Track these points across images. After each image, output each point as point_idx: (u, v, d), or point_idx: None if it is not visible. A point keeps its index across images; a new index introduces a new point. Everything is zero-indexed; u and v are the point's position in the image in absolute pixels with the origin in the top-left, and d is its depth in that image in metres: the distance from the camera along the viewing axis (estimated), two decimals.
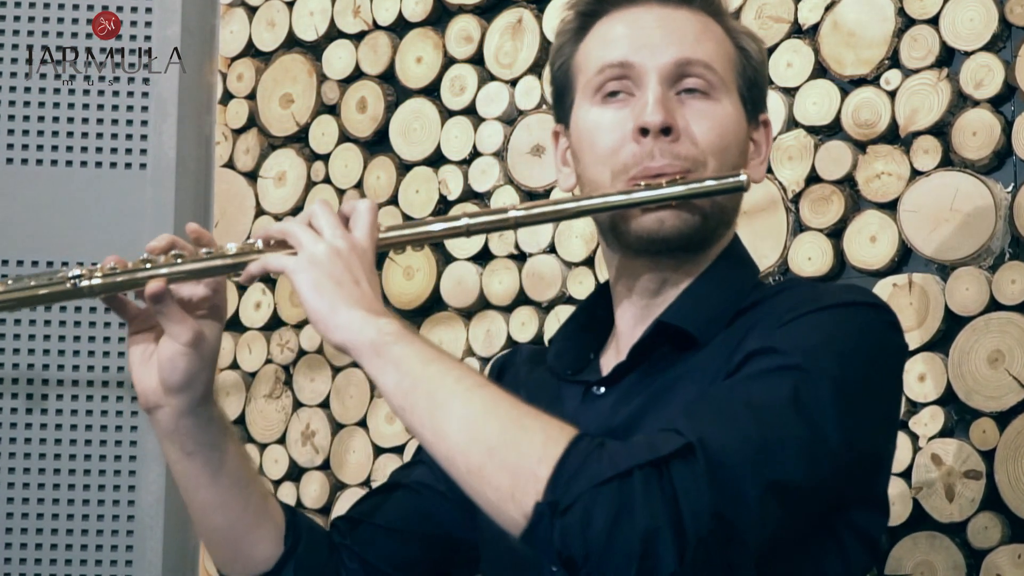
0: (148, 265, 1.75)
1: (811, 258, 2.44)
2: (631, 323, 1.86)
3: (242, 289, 3.13)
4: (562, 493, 1.49)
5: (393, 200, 2.94)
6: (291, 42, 3.15)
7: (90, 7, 3.10)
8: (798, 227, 2.47)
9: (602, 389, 1.82)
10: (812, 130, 2.47)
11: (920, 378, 2.32)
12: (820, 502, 1.64)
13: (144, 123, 3.11)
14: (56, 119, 3.08)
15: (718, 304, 1.79)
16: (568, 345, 1.92)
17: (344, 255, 1.67)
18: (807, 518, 1.64)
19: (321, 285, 1.64)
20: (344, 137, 3.04)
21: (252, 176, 3.16)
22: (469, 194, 2.85)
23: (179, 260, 1.73)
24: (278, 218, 3.10)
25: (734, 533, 1.51)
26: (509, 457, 1.51)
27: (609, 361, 1.87)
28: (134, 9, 3.11)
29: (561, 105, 1.91)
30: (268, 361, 3.08)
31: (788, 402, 1.58)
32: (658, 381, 1.76)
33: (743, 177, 1.76)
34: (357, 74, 3.04)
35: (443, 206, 2.88)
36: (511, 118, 2.82)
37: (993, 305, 2.28)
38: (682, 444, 1.51)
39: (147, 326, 1.82)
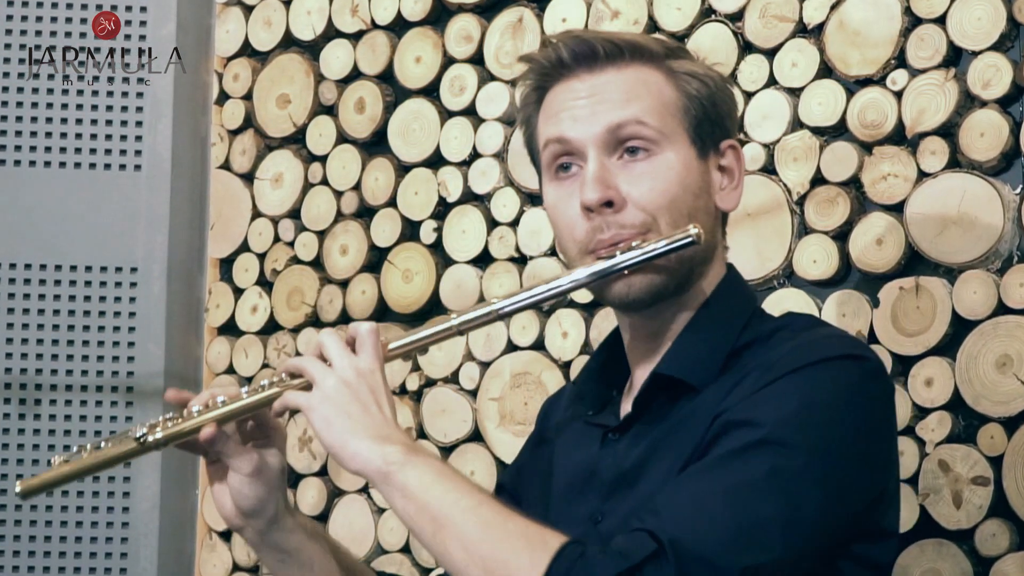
0: (197, 411, 1.93)
1: (816, 261, 2.44)
2: (639, 369, 1.97)
3: (238, 293, 3.13)
4: None
5: (392, 202, 2.93)
6: (288, 41, 3.14)
7: (84, 6, 3.10)
8: (803, 229, 2.47)
9: (617, 435, 1.93)
10: (817, 131, 2.47)
11: (927, 383, 2.31)
12: (804, 565, 1.72)
13: (139, 124, 3.11)
14: (49, 120, 3.08)
15: (709, 348, 1.89)
16: (589, 386, 2.04)
17: (353, 385, 1.83)
18: None
19: (332, 421, 1.81)
20: (342, 138, 3.03)
21: (248, 178, 3.16)
22: (469, 196, 2.85)
23: (222, 403, 1.92)
24: (274, 220, 3.09)
25: None
26: (501, 574, 1.68)
27: (627, 403, 1.98)
28: (128, 8, 3.12)
29: (538, 172, 2.03)
30: (265, 365, 3.08)
31: (763, 482, 1.68)
32: (660, 427, 1.87)
33: (693, 231, 1.85)
34: (355, 74, 3.03)
35: (442, 208, 2.87)
36: (511, 119, 2.82)
37: (1001, 309, 2.28)
38: (652, 550, 1.65)
39: (218, 459, 1.99)
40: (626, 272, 1.87)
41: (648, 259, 1.85)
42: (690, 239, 1.84)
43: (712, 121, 1.94)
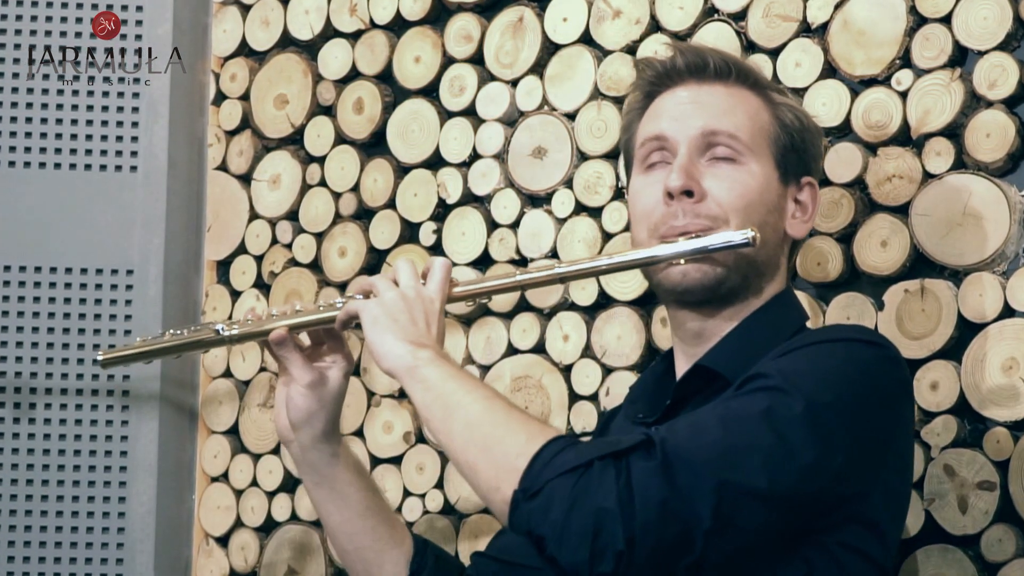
0: (275, 314, 2.14)
1: (820, 264, 2.44)
2: (683, 367, 2.10)
3: (236, 295, 3.13)
4: (532, 481, 1.76)
5: (391, 204, 2.93)
6: (286, 41, 3.14)
7: (79, 5, 3.10)
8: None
9: (657, 427, 1.96)
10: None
11: (932, 387, 2.31)
12: (787, 515, 1.78)
13: (135, 124, 3.11)
14: (44, 120, 3.07)
15: (754, 349, 1.98)
16: (644, 392, 2.17)
17: (409, 300, 2.02)
18: (774, 529, 1.78)
19: (379, 321, 1.99)
20: (340, 139, 3.03)
21: (246, 179, 3.16)
22: (469, 197, 2.85)
23: (297, 311, 2.13)
24: (272, 222, 3.09)
25: (683, 527, 1.71)
26: (497, 453, 1.81)
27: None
28: (124, 7, 3.11)
29: (628, 172, 2.20)
30: (262, 369, 3.08)
31: (758, 415, 1.78)
32: None
33: (750, 233, 1.98)
34: (354, 74, 3.03)
35: (441, 209, 2.87)
36: (512, 119, 2.82)
37: (1007, 312, 2.28)
38: (642, 439, 1.77)
39: (284, 367, 2.19)
40: (683, 262, 2.01)
41: (702, 249, 1.99)
42: (745, 239, 1.98)
43: (798, 153, 2.11)
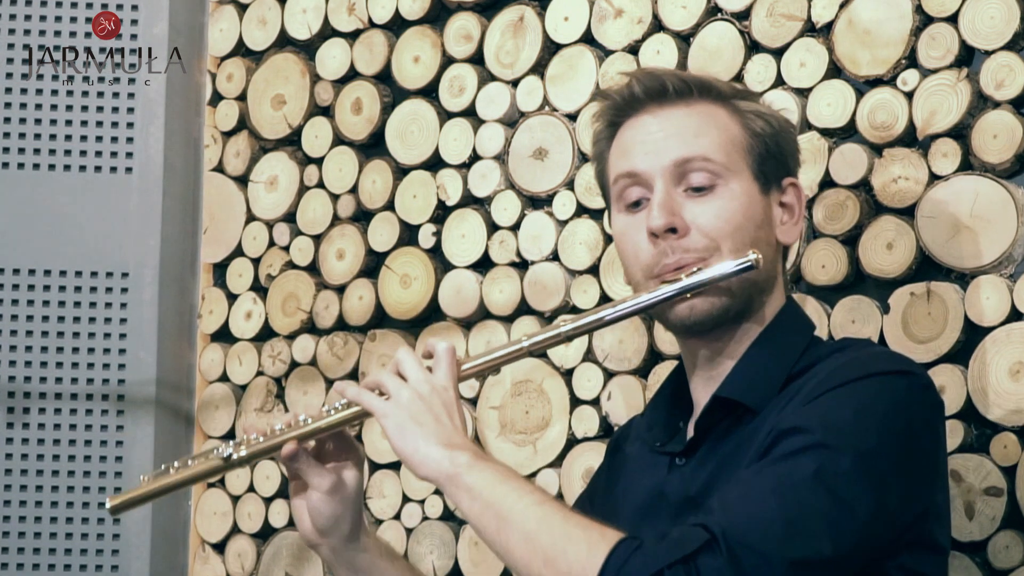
0: (280, 429, 2.08)
1: (825, 266, 2.44)
2: (700, 394, 2.10)
3: (232, 298, 3.13)
4: None
5: (389, 205, 2.94)
6: (283, 41, 3.15)
7: (74, 5, 3.10)
8: (812, 234, 2.47)
9: (683, 459, 2.05)
10: (826, 132, 2.47)
11: (939, 391, 2.31)
12: (854, 566, 1.82)
13: (130, 125, 3.11)
14: (38, 121, 3.08)
15: (769, 372, 2.01)
16: (658, 417, 2.15)
17: (426, 397, 1.99)
18: None
19: (404, 427, 1.97)
20: (338, 140, 3.03)
21: (242, 180, 3.16)
22: (468, 199, 2.85)
23: (304, 421, 2.08)
24: (269, 224, 3.09)
25: None
26: (561, 566, 1.80)
27: (692, 430, 2.09)
28: (120, 7, 3.11)
29: (607, 204, 2.17)
30: (259, 373, 3.08)
31: (811, 479, 1.79)
32: (722, 449, 1.99)
33: (752, 256, 1.99)
34: (352, 74, 3.04)
35: (441, 211, 2.87)
36: (512, 120, 2.82)
37: (1015, 315, 2.28)
38: (705, 539, 1.76)
39: (298, 477, 2.14)
40: (688, 296, 2.00)
41: (709, 282, 1.99)
42: (749, 263, 1.98)
43: (775, 159, 2.09)
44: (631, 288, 2.11)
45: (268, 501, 3.02)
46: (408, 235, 2.93)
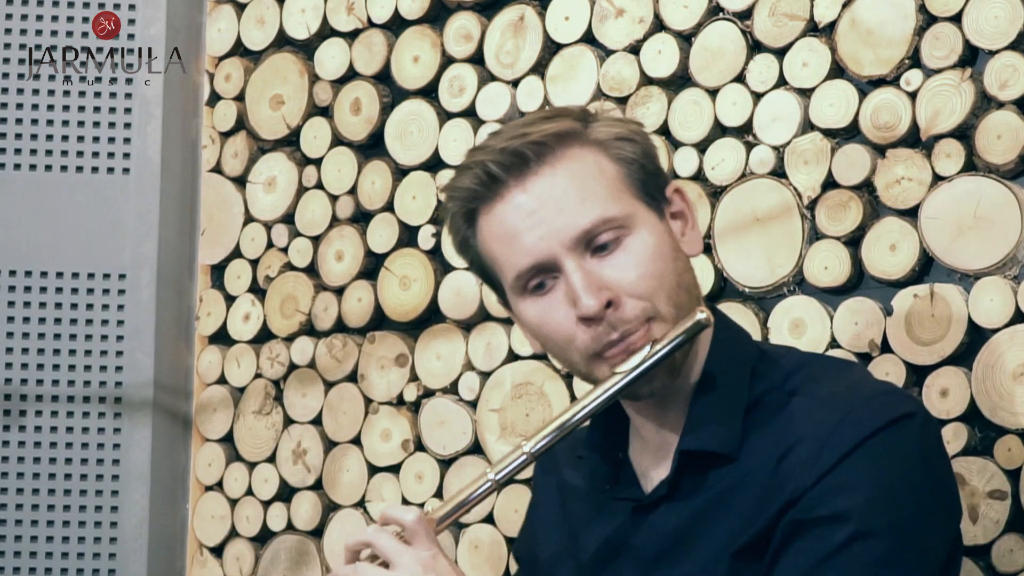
0: None
1: (827, 267, 2.44)
2: (652, 433, 1.97)
3: (230, 300, 3.13)
4: None
5: (389, 207, 2.94)
6: (281, 41, 3.15)
7: (70, 4, 3.10)
8: (814, 235, 2.47)
9: (646, 506, 1.93)
10: (829, 133, 2.47)
11: (942, 393, 2.32)
12: None
13: (127, 126, 3.11)
14: (35, 122, 3.08)
15: (726, 409, 1.90)
16: (598, 457, 2.02)
17: None
18: None
19: None
20: (337, 140, 3.03)
21: (241, 181, 3.16)
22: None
23: None
24: (267, 225, 3.09)
25: None
26: None
27: (641, 466, 1.99)
28: (117, 6, 3.12)
29: (494, 289, 2.02)
30: (257, 376, 3.08)
31: None
32: (699, 499, 1.88)
33: (700, 316, 1.86)
34: (351, 74, 3.04)
35: (441, 213, 2.87)
36: (513, 120, 2.81)
37: (1019, 317, 2.28)
38: None
39: None
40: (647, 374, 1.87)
41: (667, 357, 1.86)
42: (700, 325, 1.86)
43: (653, 176, 1.94)
44: (561, 365, 2.02)
45: (266, 505, 3.02)
46: (408, 236, 2.93)
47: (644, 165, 1.93)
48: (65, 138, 3.08)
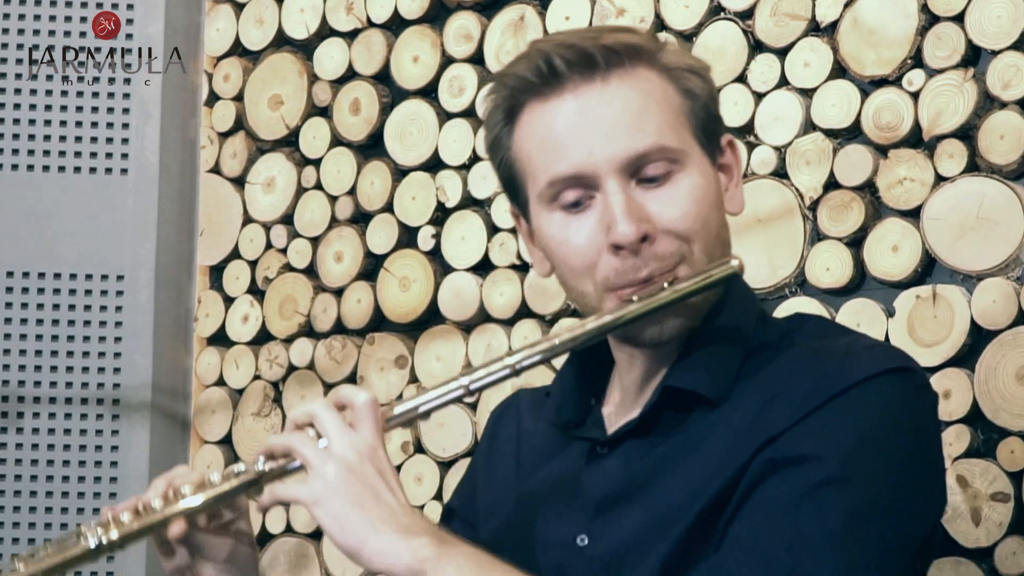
0: (160, 505, 1.75)
1: (829, 268, 2.44)
2: (636, 380, 1.87)
3: (229, 301, 3.13)
4: None
5: (388, 207, 2.94)
6: (280, 40, 3.15)
7: (68, 4, 3.10)
8: (816, 236, 2.47)
9: (605, 449, 1.82)
10: (831, 133, 2.47)
11: (945, 395, 2.32)
12: None
13: (125, 126, 3.11)
14: (32, 122, 3.08)
15: (722, 358, 1.79)
16: (568, 397, 1.91)
17: (357, 469, 1.67)
18: None
19: (344, 517, 1.65)
20: (336, 141, 3.04)
21: (239, 182, 3.16)
22: (468, 201, 2.85)
23: (186, 494, 1.75)
24: (266, 226, 3.10)
25: None
26: None
27: (612, 414, 1.88)
28: (115, 6, 3.12)
29: (515, 197, 1.90)
30: (256, 377, 3.08)
31: (843, 531, 1.61)
32: (670, 442, 1.77)
33: (734, 263, 1.76)
34: (350, 74, 3.04)
35: (440, 213, 2.88)
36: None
37: (1021, 318, 2.28)
38: None
39: (179, 556, 1.85)
40: (659, 314, 1.76)
41: (692, 295, 1.75)
42: (732, 271, 1.76)
43: (714, 118, 1.85)
44: (569, 295, 1.89)
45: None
46: (407, 237, 2.93)
47: (707, 105, 1.83)
48: (63, 138, 3.08)
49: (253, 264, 3.12)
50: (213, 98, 3.22)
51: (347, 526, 1.64)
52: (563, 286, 1.87)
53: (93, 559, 1.76)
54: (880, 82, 2.45)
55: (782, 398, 1.71)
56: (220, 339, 3.15)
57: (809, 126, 2.50)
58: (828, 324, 1.96)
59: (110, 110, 3.11)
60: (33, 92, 3.08)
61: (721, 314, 1.82)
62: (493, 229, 2.82)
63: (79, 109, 3.09)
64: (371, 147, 3.00)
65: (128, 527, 1.74)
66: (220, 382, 3.13)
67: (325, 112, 3.06)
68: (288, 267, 3.07)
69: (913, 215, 2.39)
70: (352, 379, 2.93)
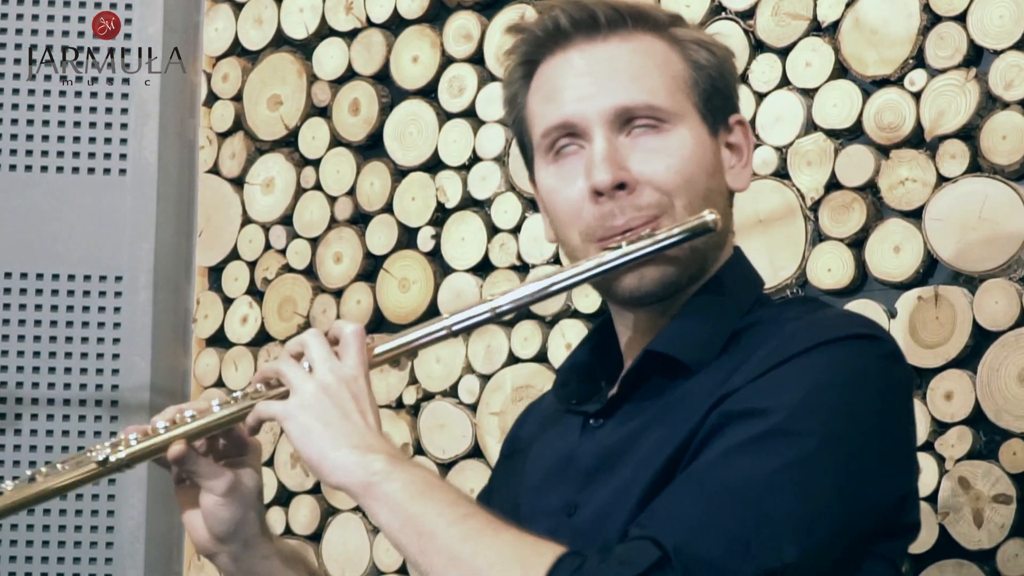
0: (164, 427, 1.86)
1: (831, 269, 2.44)
2: (631, 348, 1.91)
3: (228, 302, 3.13)
4: None
5: (388, 208, 2.94)
6: (280, 40, 3.15)
7: (66, 3, 3.10)
8: (817, 236, 2.47)
9: (599, 420, 1.86)
10: (832, 134, 2.47)
11: (947, 396, 2.31)
12: (826, 566, 1.67)
13: (124, 126, 3.11)
14: (30, 122, 3.08)
15: (709, 329, 1.83)
16: (574, 375, 1.97)
17: (333, 391, 1.77)
18: None
19: (310, 430, 1.75)
20: (336, 141, 3.04)
21: (238, 182, 3.16)
22: (468, 201, 2.85)
23: (191, 419, 1.86)
24: (265, 226, 3.10)
25: None
26: None
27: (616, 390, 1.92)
28: (113, 6, 3.12)
29: (526, 156, 1.97)
30: None
31: (773, 476, 1.63)
32: (649, 409, 1.81)
33: (709, 218, 1.79)
34: (350, 74, 3.04)
35: (440, 214, 2.88)
36: None
37: None
38: (657, 558, 1.59)
39: (189, 479, 1.93)
40: (637, 263, 1.80)
41: (662, 249, 1.79)
42: (705, 225, 1.78)
43: (722, 94, 1.89)
44: (562, 251, 1.94)
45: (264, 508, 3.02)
46: (407, 238, 2.93)
47: (714, 79, 1.88)
48: (61, 139, 3.08)
49: (252, 265, 3.12)
50: (212, 98, 3.22)
51: (311, 440, 1.74)
52: (559, 243, 1.92)
53: (102, 476, 1.87)
54: (882, 82, 2.44)
55: (751, 359, 1.74)
56: (219, 340, 3.15)
57: (810, 126, 2.50)
58: (816, 302, 1.99)
59: (108, 110, 3.11)
60: (31, 92, 3.08)
61: (715, 288, 1.87)
62: (493, 230, 2.81)
63: (77, 109, 3.09)
64: (371, 147, 3.00)
65: (133, 448, 1.85)
66: (219, 383, 3.12)
67: (324, 112, 3.06)
68: (287, 268, 3.07)
69: (915, 216, 2.39)
70: None
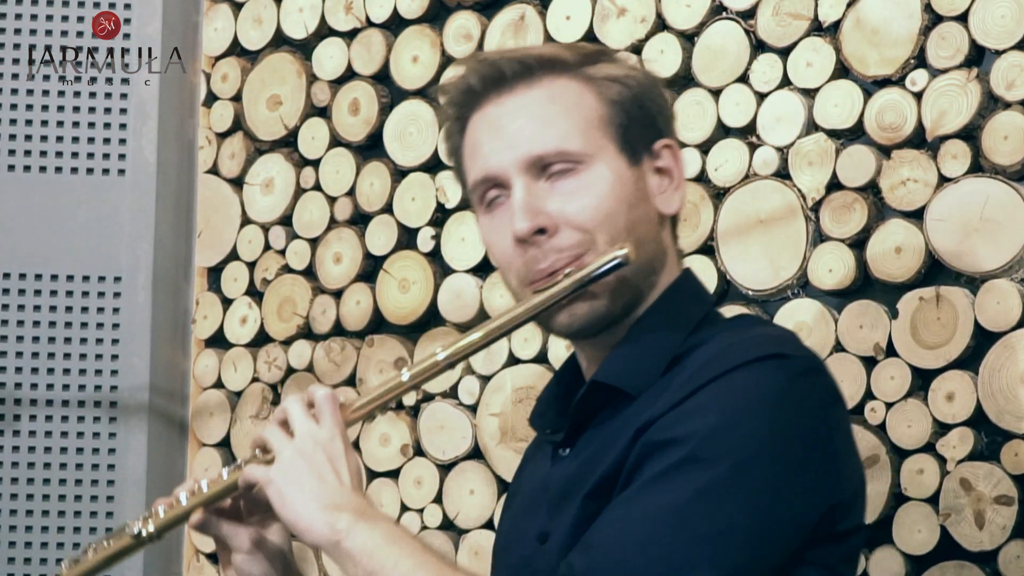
0: (184, 498, 1.98)
1: (832, 270, 2.44)
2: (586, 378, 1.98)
3: (227, 303, 3.13)
4: None
5: (388, 208, 2.94)
6: (279, 40, 3.15)
7: (65, 3, 3.10)
8: (818, 237, 2.47)
9: (567, 450, 1.94)
10: (833, 134, 2.47)
11: (948, 397, 2.31)
12: None
13: (123, 127, 3.11)
14: (29, 123, 3.08)
15: (650, 354, 1.89)
16: (549, 404, 2.05)
17: (308, 454, 1.86)
18: None
19: (286, 494, 1.85)
20: (335, 141, 3.03)
21: (237, 183, 3.16)
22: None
23: (204, 488, 1.98)
24: (264, 227, 3.10)
25: None
26: None
27: None
28: (112, 6, 3.12)
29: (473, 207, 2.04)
30: (255, 379, 3.08)
31: (690, 504, 1.69)
32: (598, 437, 1.88)
33: (620, 252, 1.85)
34: (349, 74, 3.04)
35: (440, 215, 2.87)
36: None
37: None
38: None
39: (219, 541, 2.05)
40: (565, 302, 1.87)
41: (581, 287, 1.86)
42: (617, 261, 1.85)
43: (641, 124, 1.94)
44: (511, 292, 2.00)
45: None
46: (407, 238, 2.93)
47: (629, 112, 1.93)
48: (60, 139, 3.08)
49: (251, 265, 3.12)
50: (211, 98, 3.22)
51: (286, 502, 1.83)
52: (505, 283, 2.00)
53: (139, 548, 2.00)
54: (883, 82, 2.44)
55: (672, 386, 1.81)
56: (218, 341, 3.14)
57: (811, 126, 2.50)
58: (751, 320, 2.09)
59: (108, 110, 3.11)
60: (30, 92, 3.08)
61: (657, 313, 1.93)
62: None
63: (77, 109, 3.09)
64: (370, 148, 3.00)
65: (160, 520, 1.97)
66: (218, 384, 3.12)
67: (324, 112, 3.06)
68: (287, 268, 3.07)
69: (916, 216, 2.39)
70: (351, 381, 2.93)
